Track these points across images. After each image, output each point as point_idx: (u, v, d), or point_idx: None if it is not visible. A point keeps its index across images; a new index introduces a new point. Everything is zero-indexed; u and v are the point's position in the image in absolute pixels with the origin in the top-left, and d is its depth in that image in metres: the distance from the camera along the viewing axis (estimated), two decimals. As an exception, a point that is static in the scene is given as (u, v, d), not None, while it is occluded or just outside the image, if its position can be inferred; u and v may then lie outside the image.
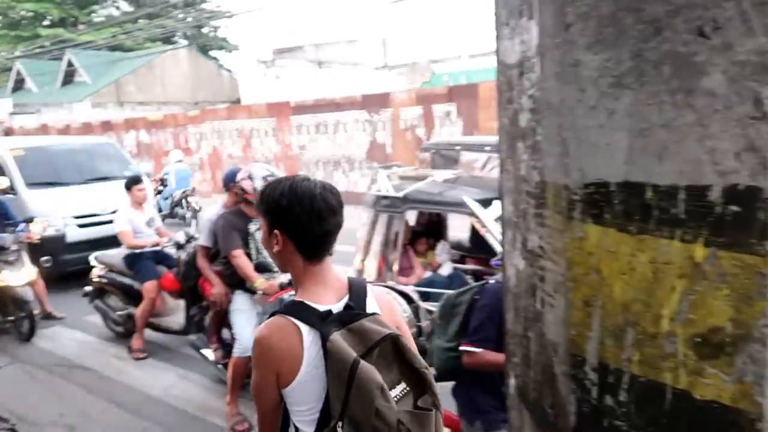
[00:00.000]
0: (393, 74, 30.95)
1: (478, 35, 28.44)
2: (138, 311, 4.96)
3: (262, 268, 3.47)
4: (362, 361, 1.25)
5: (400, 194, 4.28)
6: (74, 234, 7.26)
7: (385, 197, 4.39)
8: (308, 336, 1.32)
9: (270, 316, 1.39)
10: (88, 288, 5.54)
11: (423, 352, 1.79)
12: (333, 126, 13.94)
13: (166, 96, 28.61)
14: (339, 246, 1.62)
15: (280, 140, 15.11)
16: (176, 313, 5.01)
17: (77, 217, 7.32)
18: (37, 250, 6.32)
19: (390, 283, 4.10)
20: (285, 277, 3.33)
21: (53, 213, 7.04)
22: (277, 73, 27.57)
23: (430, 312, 3.37)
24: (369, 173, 13.62)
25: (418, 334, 3.18)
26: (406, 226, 4.70)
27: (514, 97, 1.17)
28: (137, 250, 5.08)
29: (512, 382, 1.32)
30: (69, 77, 29.81)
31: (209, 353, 4.26)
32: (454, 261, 4.84)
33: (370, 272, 4.39)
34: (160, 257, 5.18)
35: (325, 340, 1.28)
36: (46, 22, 35.39)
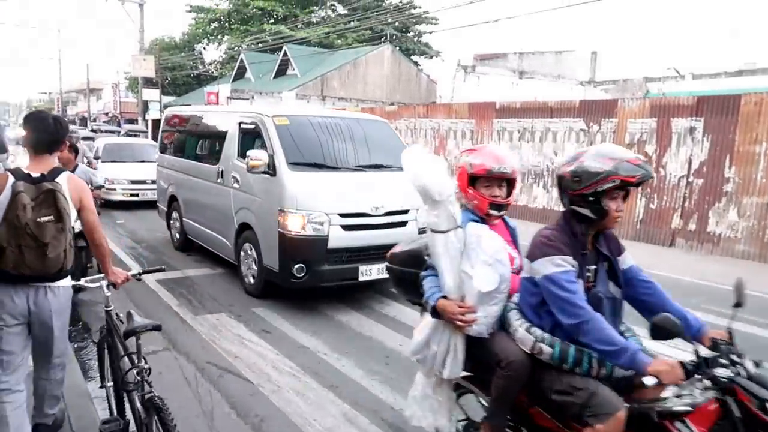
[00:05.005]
0: (598, 91, 28.22)
1: (706, 53, 24.35)
2: None
3: None
4: (21, 192, 2.54)
5: None
6: (337, 237, 5.60)
7: None
8: (11, 180, 2.61)
9: None
10: None
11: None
12: (541, 133, 12.29)
13: (365, 94, 29.14)
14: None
15: (477, 143, 13.86)
16: None
17: (344, 215, 5.66)
18: (290, 251, 5.49)
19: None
20: None
21: (317, 205, 5.55)
22: (476, 79, 26.58)
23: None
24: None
25: None
26: None
27: None
28: None
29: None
30: (282, 70, 31.86)
31: None
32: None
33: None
34: None
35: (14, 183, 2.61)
36: (271, 20, 38.47)
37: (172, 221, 8.60)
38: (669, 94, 21.23)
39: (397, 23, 38.57)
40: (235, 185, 6.45)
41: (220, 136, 7.03)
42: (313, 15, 39.59)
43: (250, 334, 5.07)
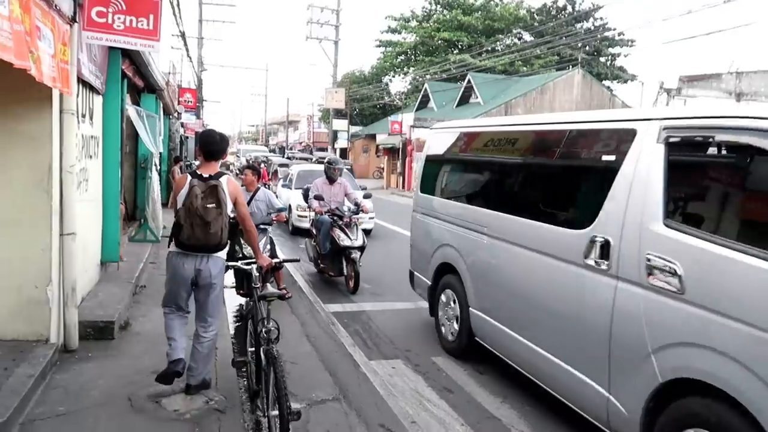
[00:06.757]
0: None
1: None
2: None
3: None
4: (195, 186, 3.57)
5: None
6: None
7: None
8: (189, 179, 3.65)
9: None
10: None
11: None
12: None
13: (552, 120, 27.62)
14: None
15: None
16: None
17: None
18: None
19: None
20: None
21: None
22: (682, 103, 23.65)
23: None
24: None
25: None
26: None
27: None
28: None
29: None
30: (465, 98, 31.60)
31: None
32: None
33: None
34: None
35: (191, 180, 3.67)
36: (455, 50, 38.70)
37: (440, 304, 5.33)
38: None
39: (588, 47, 36.36)
40: (661, 283, 2.83)
41: (593, 172, 3.66)
42: (498, 43, 39.07)
43: (430, 391, 4.31)
